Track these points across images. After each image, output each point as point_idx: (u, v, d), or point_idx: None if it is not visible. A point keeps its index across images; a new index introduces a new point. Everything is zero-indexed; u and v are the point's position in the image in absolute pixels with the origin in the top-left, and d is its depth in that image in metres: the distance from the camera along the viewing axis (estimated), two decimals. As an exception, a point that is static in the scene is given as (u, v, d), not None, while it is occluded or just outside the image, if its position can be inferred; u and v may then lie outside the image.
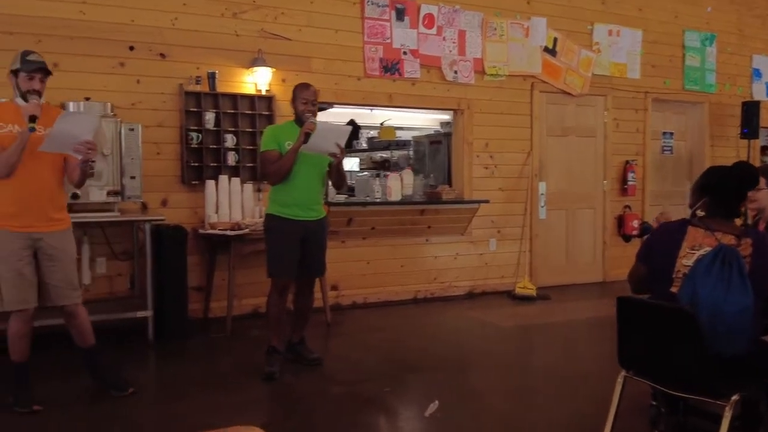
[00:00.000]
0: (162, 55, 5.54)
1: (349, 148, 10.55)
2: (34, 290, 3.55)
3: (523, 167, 7.15)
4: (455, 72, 6.69)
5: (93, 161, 3.62)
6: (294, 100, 4.27)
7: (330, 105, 8.47)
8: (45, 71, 3.58)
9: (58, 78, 4.97)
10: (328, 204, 5.93)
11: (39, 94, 3.53)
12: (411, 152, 10.02)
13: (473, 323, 5.91)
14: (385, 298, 6.46)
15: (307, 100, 4.19)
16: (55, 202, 3.64)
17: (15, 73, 3.54)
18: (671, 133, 8.22)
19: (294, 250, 4.18)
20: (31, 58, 3.55)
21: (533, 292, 6.77)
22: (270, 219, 4.27)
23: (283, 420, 3.66)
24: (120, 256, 5.41)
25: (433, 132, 9.27)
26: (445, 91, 6.70)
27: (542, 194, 7.28)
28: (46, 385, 3.85)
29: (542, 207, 7.29)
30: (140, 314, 4.98)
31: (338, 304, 6.21)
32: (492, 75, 6.88)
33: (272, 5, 5.92)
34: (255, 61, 5.75)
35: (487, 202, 6.72)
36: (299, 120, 4.20)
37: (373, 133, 10.38)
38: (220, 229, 5.24)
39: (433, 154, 8.99)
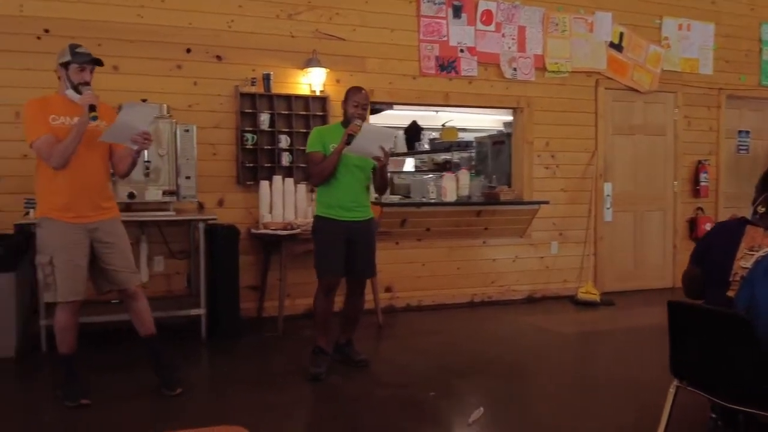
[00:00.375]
0: (218, 57, 5.62)
1: (411, 150, 10.53)
2: (86, 282, 3.62)
3: (587, 167, 6.89)
4: (514, 69, 6.51)
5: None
6: (345, 102, 4.26)
7: (389, 106, 8.46)
8: (95, 62, 3.64)
9: (116, 80, 5.18)
10: (381, 205, 5.89)
11: (89, 85, 3.59)
12: (473, 153, 9.87)
13: (530, 328, 5.72)
14: (441, 301, 6.34)
15: (358, 104, 4.17)
16: (105, 191, 3.72)
17: (65, 65, 3.59)
18: (747, 132, 7.76)
19: (338, 249, 4.15)
20: (80, 50, 3.62)
21: (596, 298, 6.50)
22: (316, 220, 4.28)
23: (326, 421, 3.62)
24: (177, 255, 5.51)
25: (495, 132, 9.09)
26: (504, 89, 6.53)
27: (608, 195, 6.99)
28: (97, 380, 3.93)
29: (608, 209, 7.00)
30: (194, 312, 5.05)
31: (392, 306, 6.13)
32: (554, 72, 6.66)
33: (327, 6, 5.91)
34: (309, 62, 5.75)
35: (547, 203, 6.50)
36: (347, 122, 4.16)
37: (435, 134, 10.28)
38: (271, 229, 5.26)
39: (495, 155, 8.80)
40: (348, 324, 4.44)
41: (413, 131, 10.75)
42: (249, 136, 5.62)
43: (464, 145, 9.67)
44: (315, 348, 4.25)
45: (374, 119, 9.36)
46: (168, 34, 5.47)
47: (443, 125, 9.98)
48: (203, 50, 5.58)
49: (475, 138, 9.84)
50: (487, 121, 9.79)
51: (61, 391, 3.65)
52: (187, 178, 5.14)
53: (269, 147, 5.68)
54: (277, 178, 5.56)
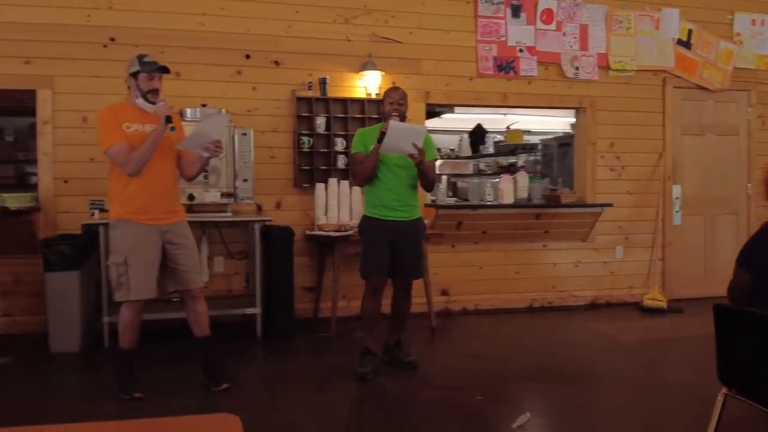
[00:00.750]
0: (276, 63, 5.72)
1: (476, 153, 10.42)
2: (155, 283, 3.74)
3: (654, 169, 6.63)
4: (576, 68, 6.35)
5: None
6: (383, 102, 4.26)
7: (450, 109, 8.41)
8: (162, 70, 3.77)
9: (178, 86, 5.34)
10: (436, 207, 5.85)
11: (158, 92, 3.74)
12: (539, 156, 9.68)
13: (591, 335, 5.54)
14: (498, 305, 6.23)
15: (394, 101, 4.15)
16: (175, 194, 3.88)
17: (134, 75, 3.73)
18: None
19: (383, 249, 4.13)
20: (147, 59, 3.76)
21: (663, 305, 6.25)
22: (362, 220, 4.30)
23: (368, 420, 3.63)
24: (236, 255, 5.64)
25: (561, 134, 8.89)
26: (566, 89, 6.38)
27: (677, 198, 6.71)
28: (152, 375, 4.06)
29: (676, 212, 6.72)
30: (249, 311, 5.15)
31: (448, 309, 6.07)
32: (618, 70, 6.46)
33: (383, 9, 5.93)
34: (365, 65, 5.78)
35: (610, 205, 6.29)
36: (385, 121, 4.16)
37: (500, 137, 10.14)
38: (325, 231, 5.31)
39: (561, 157, 8.61)
40: (395, 325, 4.42)
41: (477, 134, 10.64)
42: (305, 139, 5.70)
43: (529, 148, 9.51)
44: (363, 348, 4.25)
45: (434, 123, 9.36)
46: (228, 41, 5.61)
47: (508, 128, 9.84)
48: (262, 56, 5.70)
49: (541, 140, 9.68)
50: (553, 123, 9.58)
51: (117, 384, 3.79)
52: (245, 180, 5.25)
53: (325, 150, 5.74)
54: (333, 181, 5.60)
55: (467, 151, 10.74)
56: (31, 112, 5.35)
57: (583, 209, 6.27)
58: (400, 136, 3.92)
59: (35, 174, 5.57)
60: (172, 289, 3.87)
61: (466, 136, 10.93)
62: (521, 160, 9.70)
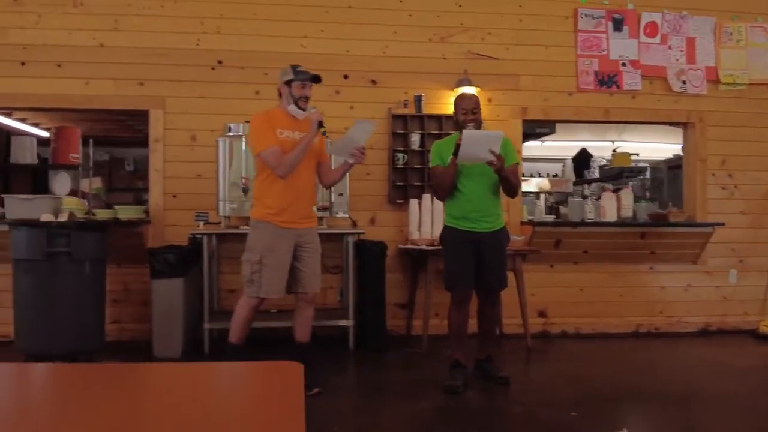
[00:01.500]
0: (373, 82, 5.84)
1: (580, 178, 10.13)
2: (285, 284, 3.86)
3: (771, 188, 6.20)
4: (683, 82, 6.08)
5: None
6: (455, 110, 4.18)
7: (551, 128, 8.21)
8: (314, 79, 3.93)
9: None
10: (533, 224, 5.71)
11: (308, 99, 3.91)
12: (647, 179, 9.29)
13: (700, 360, 5.18)
14: (601, 329, 5.96)
15: (467, 110, 4.06)
16: (312, 201, 4.01)
17: (288, 83, 3.89)
18: None
19: (466, 260, 4.04)
20: (300, 69, 3.92)
21: (783, 332, 5.77)
22: (444, 231, 4.21)
23: (454, 430, 3.53)
24: (332, 269, 5.72)
25: (672, 156, 8.51)
26: (672, 104, 6.11)
27: (798, 219, 6.22)
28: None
29: (798, 234, 6.22)
30: (342, 323, 5.20)
31: (546, 332, 5.87)
32: (728, 84, 6.12)
33: (480, 26, 5.94)
34: (460, 82, 5.79)
35: (722, 224, 5.90)
36: (460, 131, 4.10)
37: (605, 161, 9.83)
38: (417, 245, 5.29)
39: (672, 180, 8.25)
40: (485, 338, 4.30)
41: (582, 159, 10.37)
42: (400, 155, 5.75)
43: (637, 171, 9.15)
44: (452, 361, 4.17)
45: (536, 150, 9.20)
46: (328, 62, 5.77)
47: (614, 151, 9.52)
48: (360, 76, 5.83)
49: (650, 163, 9.30)
50: (663, 150, 9.20)
51: None
52: (340, 194, 5.35)
53: (419, 166, 5.77)
54: (426, 197, 5.60)
55: (571, 177, 10.47)
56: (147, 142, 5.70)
57: (692, 229, 5.92)
58: (476, 144, 3.83)
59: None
60: (294, 290, 3.95)
61: (569, 161, 10.67)
62: (628, 184, 9.35)
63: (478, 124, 4.06)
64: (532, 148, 9.10)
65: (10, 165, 6.15)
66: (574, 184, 10.18)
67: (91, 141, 6.07)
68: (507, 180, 4.00)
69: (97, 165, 12.99)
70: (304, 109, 3.88)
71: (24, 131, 7.51)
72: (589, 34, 6.01)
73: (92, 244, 4.45)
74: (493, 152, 3.82)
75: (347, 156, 3.92)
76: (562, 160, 10.64)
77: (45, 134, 7.62)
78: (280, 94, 3.96)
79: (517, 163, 4.21)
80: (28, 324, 4.39)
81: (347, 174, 5.23)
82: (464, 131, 3.90)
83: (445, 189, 4.06)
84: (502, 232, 4.17)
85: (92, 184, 6.35)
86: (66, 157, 5.99)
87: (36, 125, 7.98)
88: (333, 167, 4.31)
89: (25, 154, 6.09)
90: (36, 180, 8.08)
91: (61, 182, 5.86)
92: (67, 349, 4.46)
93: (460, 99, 4.19)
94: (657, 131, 10.33)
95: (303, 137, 3.80)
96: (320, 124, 3.81)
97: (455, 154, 3.90)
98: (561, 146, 9.97)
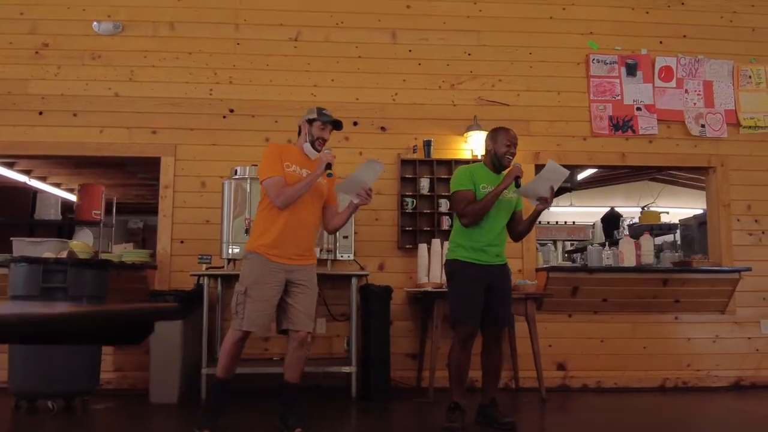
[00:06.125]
0: (382, 128, 5.83)
1: (609, 238, 9.86)
2: (270, 319, 3.74)
3: (804, 234, 5.88)
4: (702, 126, 5.91)
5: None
6: (494, 142, 4.05)
7: (567, 187, 8.02)
8: (335, 123, 3.92)
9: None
10: (548, 270, 5.51)
11: (325, 142, 3.90)
12: (677, 237, 8.98)
13: (739, 413, 4.78)
14: (624, 383, 5.61)
15: (511, 143, 4.00)
16: (311, 240, 3.89)
17: (310, 122, 3.88)
18: None
19: (479, 295, 3.89)
20: (325, 111, 3.92)
21: (826, 388, 5.34)
22: (454, 264, 4.03)
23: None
24: (338, 317, 5.56)
25: (702, 211, 8.22)
26: (692, 147, 5.93)
27: (835, 268, 5.86)
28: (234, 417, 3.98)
29: (836, 284, 5.85)
30: (345, 369, 5.00)
31: (566, 385, 5.55)
32: (749, 127, 5.94)
33: (490, 74, 5.93)
34: (470, 127, 5.74)
35: (748, 270, 5.57)
36: (495, 163, 4.01)
37: (635, 220, 9.58)
38: (424, 288, 5.13)
39: (702, 237, 7.93)
40: (488, 381, 4.06)
41: (611, 219, 10.14)
42: (409, 200, 5.66)
43: (666, 228, 8.86)
44: (451, 404, 3.93)
45: (563, 215, 9.04)
46: (337, 110, 5.72)
47: (643, 208, 9.29)
48: (369, 122, 5.84)
49: (680, 220, 9.01)
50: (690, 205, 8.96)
51: (200, 416, 3.74)
52: (345, 237, 5.26)
53: (428, 211, 5.66)
54: (436, 242, 5.46)
55: (600, 237, 10.23)
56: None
57: (717, 275, 5.60)
58: (548, 179, 3.80)
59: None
60: (284, 327, 3.81)
61: (599, 222, 10.45)
62: (658, 242, 9.06)
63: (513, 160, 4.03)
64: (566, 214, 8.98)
65: (35, 221, 6.26)
66: (603, 245, 9.92)
67: (114, 203, 6.31)
68: (533, 223, 4.03)
69: (131, 232, 13.21)
70: (319, 150, 3.85)
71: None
72: (602, 80, 5.94)
73: (90, 280, 4.42)
74: (552, 189, 3.81)
75: (353, 196, 3.84)
76: (593, 225, 10.48)
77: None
78: (299, 132, 3.95)
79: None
80: (21, 364, 4.33)
81: (353, 217, 5.27)
82: (550, 161, 3.89)
83: (482, 216, 3.92)
84: (508, 268, 4.08)
85: (125, 248, 6.34)
86: (89, 214, 6.05)
87: (71, 191, 8.20)
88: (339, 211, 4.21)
89: (49, 211, 6.21)
90: (60, 236, 8.22)
91: (83, 239, 5.90)
92: (60, 389, 4.38)
93: (505, 132, 4.05)
94: (690, 196, 10.14)
95: (309, 174, 3.76)
96: (328, 166, 3.74)
97: (518, 186, 3.87)
98: (593, 212, 9.80)
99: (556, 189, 3.91)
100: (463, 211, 3.99)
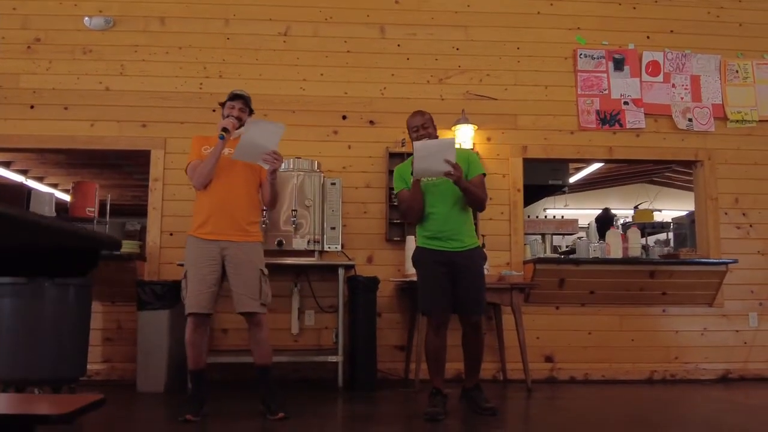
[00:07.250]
0: (371, 122, 5.87)
1: (603, 239, 9.86)
2: (212, 298, 3.75)
3: (792, 227, 5.90)
4: (690, 120, 5.95)
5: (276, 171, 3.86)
6: (408, 134, 4.09)
7: (563, 180, 8.08)
8: (238, 97, 3.95)
9: (280, 147, 5.59)
10: (534, 262, 5.53)
11: (237, 119, 3.90)
12: (670, 235, 9.00)
13: (729, 404, 4.77)
14: (612, 375, 5.62)
15: (417, 126, 3.98)
16: (247, 216, 3.85)
17: (222, 105, 3.99)
18: None
19: (441, 282, 3.85)
20: (235, 92, 4.00)
21: (813, 380, 5.34)
22: (415, 252, 4.05)
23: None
24: (326, 309, 5.58)
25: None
26: (679, 141, 5.96)
27: (823, 261, 5.88)
28: (220, 405, 4.00)
29: (825, 277, 5.86)
30: (330, 359, 5.03)
31: (553, 378, 5.57)
32: (737, 121, 5.97)
33: (478, 68, 5.97)
34: (458, 121, 5.77)
35: (735, 262, 5.60)
36: None
37: (629, 219, 9.59)
38: (409, 277, 5.15)
39: (694, 235, 7.95)
40: (470, 366, 4.06)
41: (605, 219, 10.14)
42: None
43: (659, 227, 8.88)
44: (432, 390, 3.94)
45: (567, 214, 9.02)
46: (326, 104, 5.87)
47: (636, 207, 9.31)
48: (357, 116, 5.87)
49: (673, 219, 9.03)
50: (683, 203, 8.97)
51: (182, 403, 3.77)
52: (332, 228, 5.29)
53: (417, 203, 5.68)
54: (423, 233, 5.48)
55: (594, 238, 10.22)
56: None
57: (704, 267, 5.62)
58: (429, 156, 3.67)
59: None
60: (236, 311, 3.84)
61: (593, 223, 10.44)
62: (651, 241, 9.07)
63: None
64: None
65: (27, 216, 6.28)
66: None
67: (108, 202, 6.37)
68: (468, 191, 3.83)
69: (128, 234, 13.27)
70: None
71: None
72: (589, 74, 5.98)
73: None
74: (449, 162, 3.68)
75: (261, 163, 3.79)
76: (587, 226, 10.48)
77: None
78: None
79: (484, 174, 4.01)
80: (7, 350, 4.35)
81: (339, 209, 5.31)
82: (415, 142, 3.79)
83: (415, 212, 3.92)
84: (476, 252, 3.97)
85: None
86: (83, 211, 6.10)
87: (68, 191, 8.22)
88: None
89: (43, 208, 6.24)
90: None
91: (74, 232, 5.94)
92: (46, 376, 4.40)
93: (410, 117, 4.05)
94: (688, 198, 10.16)
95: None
96: (225, 130, 3.76)
97: (412, 172, 3.78)
98: (589, 214, 9.79)
99: (421, 155, 3.69)
100: (401, 214, 4.21)
